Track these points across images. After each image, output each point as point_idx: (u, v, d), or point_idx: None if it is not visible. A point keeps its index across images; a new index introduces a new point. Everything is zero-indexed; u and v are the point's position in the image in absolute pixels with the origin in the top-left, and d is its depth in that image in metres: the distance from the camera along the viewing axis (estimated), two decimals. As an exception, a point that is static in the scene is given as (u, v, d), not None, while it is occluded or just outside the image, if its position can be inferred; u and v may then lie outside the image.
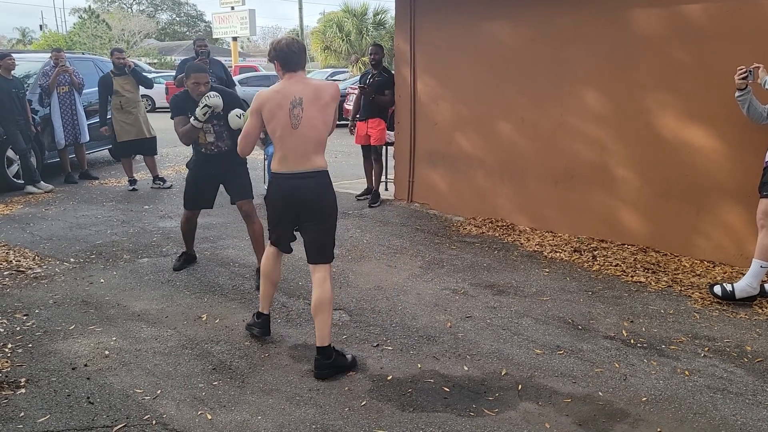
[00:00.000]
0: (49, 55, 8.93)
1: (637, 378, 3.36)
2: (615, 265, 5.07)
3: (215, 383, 3.30)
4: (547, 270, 5.06)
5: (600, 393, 3.21)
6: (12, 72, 7.84)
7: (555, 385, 3.29)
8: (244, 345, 3.74)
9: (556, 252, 5.47)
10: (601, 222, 5.67)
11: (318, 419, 2.98)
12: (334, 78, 25.06)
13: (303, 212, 3.44)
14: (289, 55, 3.35)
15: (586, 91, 5.63)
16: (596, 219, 5.70)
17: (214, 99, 4.38)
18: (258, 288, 4.43)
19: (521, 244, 5.77)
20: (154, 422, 2.93)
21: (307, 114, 3.31)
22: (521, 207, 6.26)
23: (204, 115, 4.42)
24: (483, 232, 6.14)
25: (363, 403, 3.12)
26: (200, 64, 5.05)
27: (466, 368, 3.47)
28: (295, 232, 3.65)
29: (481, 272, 5.02)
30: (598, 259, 5.23)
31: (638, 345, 3.75)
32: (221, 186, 4.91)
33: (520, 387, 3.27)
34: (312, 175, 3.38)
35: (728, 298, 4.27)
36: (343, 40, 29.41)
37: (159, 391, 3.21)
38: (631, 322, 4.07)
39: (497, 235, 6.06)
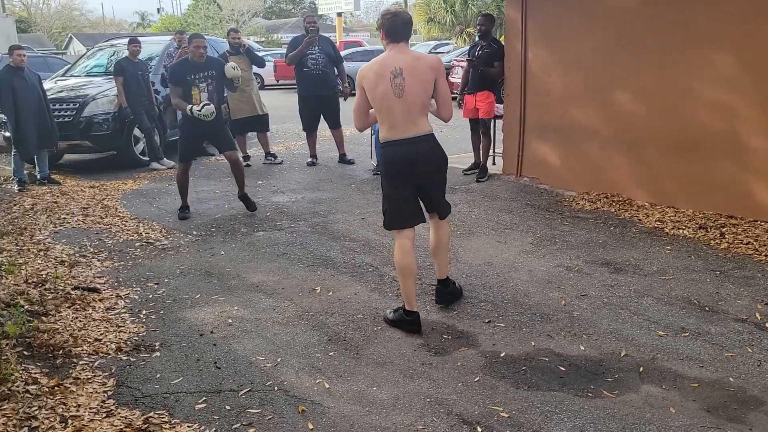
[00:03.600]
0: (168, 37, 9.40)
1: (773, 364, 3.13)
2: (746, 243, 4.72)
3: (331, 354, 3.40)
4: (668, 248, 4.80)
5: (731, 378, 3.03)
6: (137, 56, 8.34)
7: (680, 369, 3.13)
8: (357, 318, 3.82)
9: (679, 229, 5.17)
10: (730, 196, 5.27)
11: (432, 393, 3.00)
12: (437, 51, 24.81)
13: (421, 175, 3.58)
14: (393, 25, 3.50)
15: (714, 53, 5.22)
16: (724, 193, 5.31)
17: (207, 108, 5.58)
18: (251, 210, 6.05)
19: (639, 220, 5.49)
20: (276, 389, 3.07)
21: (408, 83, 3.43)
22: (639, 181, 5.95)
23: (198, 115, 5.61)
24: (597, 208, 5.91)
25: (476, 379, 3.11)
26: (199, 33, 6.50)
27: (582, 348, 3.37)
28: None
29: (596, 249, 4.84)
30: (726, 236, 4.89)
31: (774, 329, 3.49)
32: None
33: (641, 369, 3.14)
34: (425, 139, 3.55)
35: None
36: (448, 11, 28.95)
37: (279, 360, 3.34)
38: (766, 304, 3.79)
39: (613, 210, 5.80)
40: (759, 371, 3.08)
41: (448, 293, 3.92)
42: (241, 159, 6.10)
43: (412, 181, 3.59)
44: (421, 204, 3.72)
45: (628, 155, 6.01)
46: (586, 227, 5.37)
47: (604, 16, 6.03)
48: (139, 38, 8.82)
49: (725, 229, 5.02)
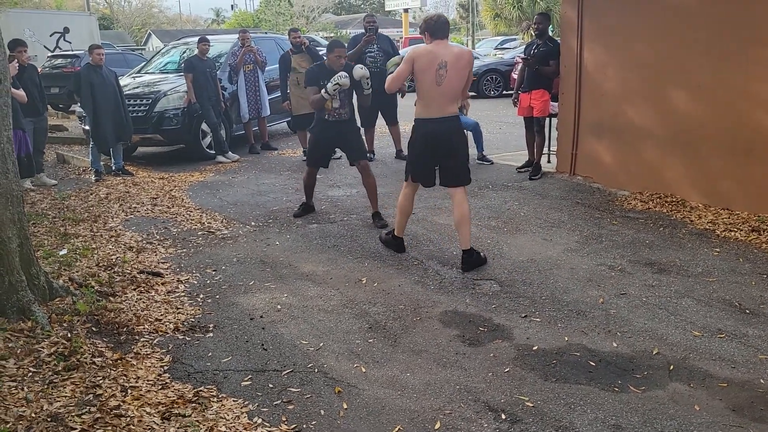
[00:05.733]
0: (236, 36, 9.82)
1: (808, 369, 3.12)
2: (799, 247, 4.63)
3: (370, 341, 3.59)
4: (717, 250, 4.75)
5: (762, 380, 3.04)
6: (206, 54, 8.75)
7: (711, 369, 3.16)
8: (398, 308, 4.00)
9: (731, 231, 5.10)
10: (787, 199, 5.16)
11: (462, 381, 3.15)
12: (503, 47, 24.63)
13: (442, 147, 4.49)
14: (437, 27, 4.41)
15: (775, 54, 5.11)
16: (781, 196, 5.19)
17: (344, 79, 5.24)
18: (381, 227, 5.52)
19: (691, 221, 5.43)
20: (316, 371, 3.28)
21: (449, 75, 4.35)
22: (694, 181, 5.87)
23: (334, 91, 5.32)
24: (649, 208, 5.87)
25: (506, 370, 3.23)
26: (339, 40, 6.29)
27: (615, 344, 3.44)
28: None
29: (642, 249, 4.84)
30: (779, 239, 4.80)
31: (815, 334, 3.45)
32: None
33: (671, 367, 3.19)
34: (450, 119, 4.48)
35: None
36: (515, 6, 28.64)
37: (321, 344, 3.56)
38: (810, 309, 3.74)
39: (665, 211, 5.75)
40: (793, 375, 3.08)
41: (472, 262, 4.55)
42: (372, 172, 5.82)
43: (431, 151, 4.52)
44: (439, 178, 4.66)
45: (683, 155, 5.94)
46: (634, 227, 5.36)
47: (661, 15, 5.97)
48: (208, 37, 9.25)
49: (779, 232, 4.92)
